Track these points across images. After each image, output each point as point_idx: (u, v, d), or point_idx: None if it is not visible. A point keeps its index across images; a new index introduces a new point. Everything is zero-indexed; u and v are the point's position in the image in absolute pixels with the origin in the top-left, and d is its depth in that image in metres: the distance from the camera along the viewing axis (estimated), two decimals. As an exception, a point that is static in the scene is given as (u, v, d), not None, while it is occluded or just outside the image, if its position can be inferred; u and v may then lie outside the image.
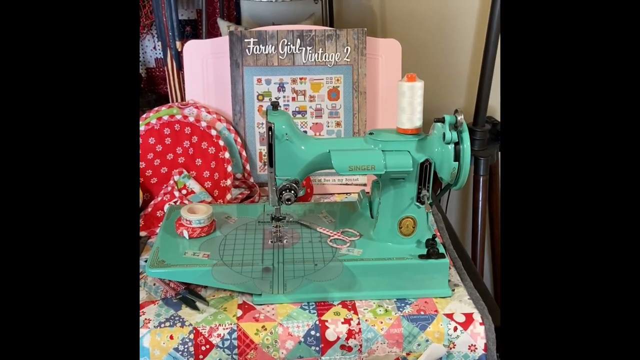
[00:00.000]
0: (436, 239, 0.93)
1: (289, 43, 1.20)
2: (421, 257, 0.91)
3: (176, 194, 1.13)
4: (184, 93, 1.36)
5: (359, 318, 0.86)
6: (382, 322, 0.86)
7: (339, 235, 0.98)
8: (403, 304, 0.89)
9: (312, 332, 0.84)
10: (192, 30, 1.57)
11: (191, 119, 1.19)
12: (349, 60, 1.22)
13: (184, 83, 1.34)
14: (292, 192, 0.90)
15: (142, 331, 0.83)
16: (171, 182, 1.15)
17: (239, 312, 0.86)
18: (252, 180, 1.23)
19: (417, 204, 0.93)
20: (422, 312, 0.87)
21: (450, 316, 0.87)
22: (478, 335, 0.86)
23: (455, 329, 0.86)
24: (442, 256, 0.91)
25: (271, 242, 0.96)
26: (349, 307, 0.88)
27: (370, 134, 0.93)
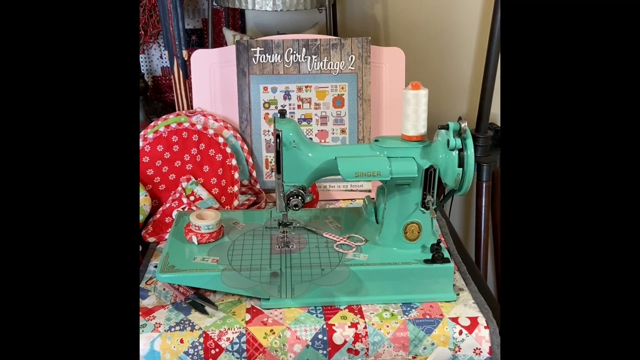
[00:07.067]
0: (441, 243, 0.94)
1: (294, 52, 1.22)
2: (426, 261, 0.93)
3: (184, 200, 1.15)
4: (190, 101, 1.38)
5: (365, 322, 0.87)
6: (388, 326, 0.87)
7: (345, 241, 1.00)
8: (409, 308, 0.90)
9: (320, 336, 0.86)
10: (197, 39, 1.60)
11: (199, 127, 1.21)
12: (353, 68, 1.24)
13: (190, 91, 1.36)
14: (300, 198, 0.92)
15: (153, 335, 0.84)
16: (179, 188, 1.17)
17: (248, 316, 0.88)
18: (258, 186, 1.25)
19: (422, 209, 0.94)
20: (427, 316, 0.89)
21: (455, 320, 0.88)
22: (483, 338, 0.87)
23: (461, 332, 0.87)
24: (447, 261, 0.93)
25: (278, 247, 0.98)
26: (356, 311, 0.90)
27: (376, 140, 0.95)
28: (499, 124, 1.66)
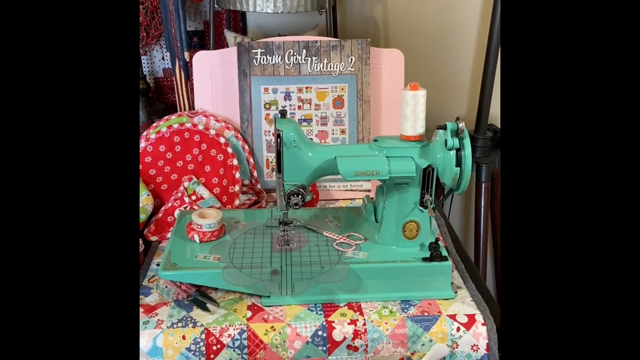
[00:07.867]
0: (439, 242, 0.96)
1: (295, 53, 1.24)
2: (424, 259, 0.94)
3: (186, 199, 1.16)
4: (192, 102, 1.40)
5: (364, 319, 0.89)
6: (387, 323, 0.88)
7: (344, 239, 1.01)
8: (407, 305, 0.92)
9: (320, 333, 0.87)
10: (199, 40, 1.61)
11: (200, 127, 1.22)
12: (353, 69, 1.25)
13: (191, 92, 1.38)
14: (300, 197, 0.93)
15: (156, 331, 0.86)
16: (181, 188, 1.18)
17: (249, 313, 0.89)
18: (259, 186, 1.27)
19: (421, 208, 0.96)
20: (425, 313, 0.90)
21: (453, 317, 0.90)
22: (480, 335, 0.88)
23: (458, 329, 0.88)
24: (445, 259, 0.94)
25: (279, 245, 0.99)
26: (355, 308, 0.91)
27: (375, 140, 0.96)
28: (498, 125, 1.68)
